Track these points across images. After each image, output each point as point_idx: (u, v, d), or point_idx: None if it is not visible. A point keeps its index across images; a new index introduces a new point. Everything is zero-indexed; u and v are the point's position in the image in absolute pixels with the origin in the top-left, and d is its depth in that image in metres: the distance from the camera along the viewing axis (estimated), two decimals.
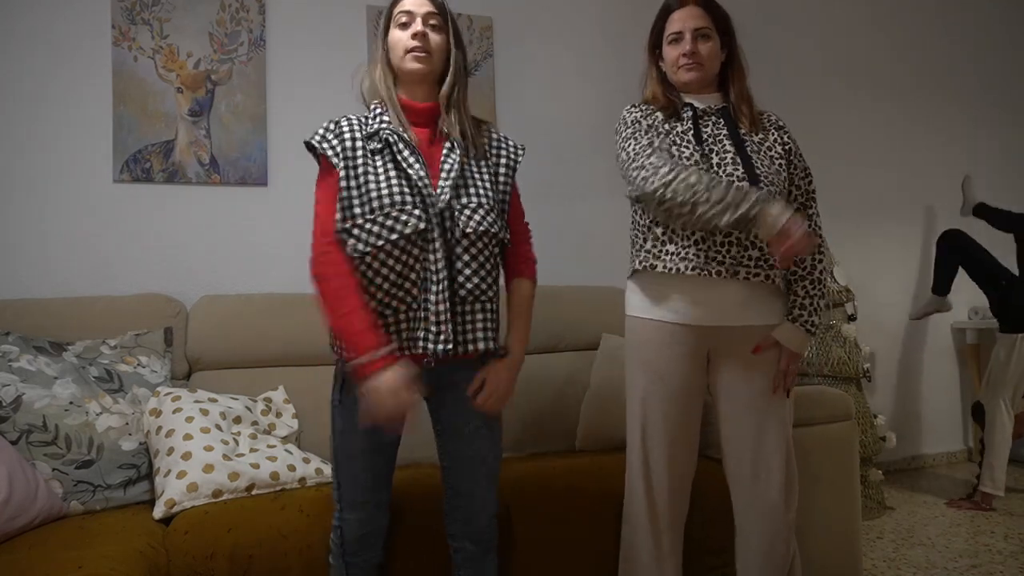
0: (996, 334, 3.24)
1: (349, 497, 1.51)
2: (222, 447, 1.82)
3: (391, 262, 1.41)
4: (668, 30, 1.74)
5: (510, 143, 1.63)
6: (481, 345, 1.48)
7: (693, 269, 1.62)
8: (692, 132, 1.69)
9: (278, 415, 2.11)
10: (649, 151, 1.60)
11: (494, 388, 1.50)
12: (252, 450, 1.88)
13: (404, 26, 1.51)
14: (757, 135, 1.71)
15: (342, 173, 1.43)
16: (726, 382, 1.71)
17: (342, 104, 2.36)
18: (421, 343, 1.42)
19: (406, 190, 1.42)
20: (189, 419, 1.85)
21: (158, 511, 1.71)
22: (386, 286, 1.42)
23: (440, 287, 1.41)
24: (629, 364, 1.77)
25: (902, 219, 3.83)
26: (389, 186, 1.41)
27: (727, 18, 1.76)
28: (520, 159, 1.62)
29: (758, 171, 1.62)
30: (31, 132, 2.37)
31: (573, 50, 3.13)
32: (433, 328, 1.41)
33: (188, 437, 1.81)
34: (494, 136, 1.61)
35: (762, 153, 1.68)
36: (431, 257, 1.42)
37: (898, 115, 3.87)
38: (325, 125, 1.50)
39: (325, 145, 1.45)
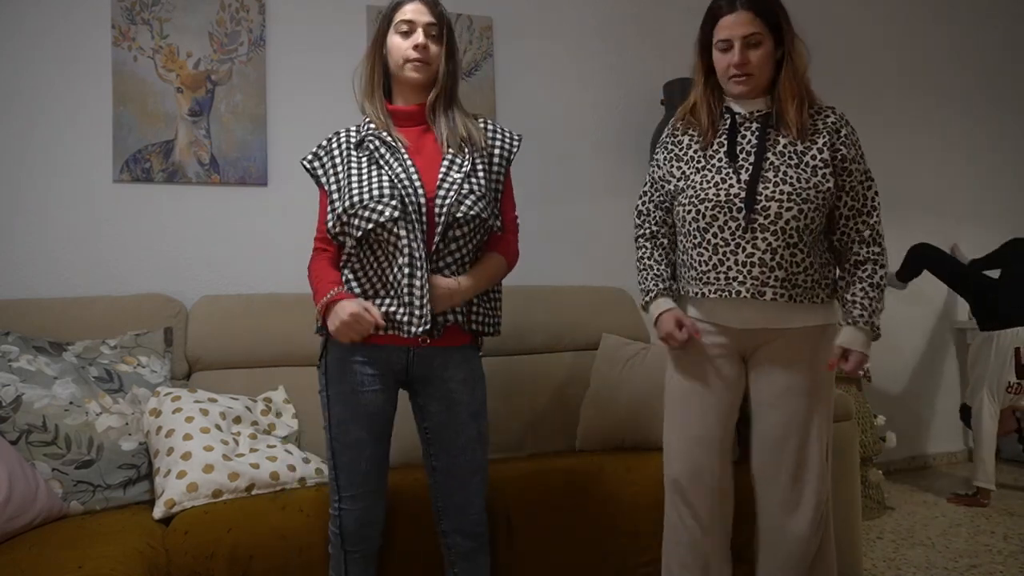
0: (975, 333, 3.32)
1: (348, 488, 1.53)
2: (222, 447, 1.82)
3: (376, 250, 1.51)
4: (717, 36, 1.66)
5: (506, 133, 1.67)
6: (451, 318, 1.53)
7: (739, 295, 1.64)
8: (726, 148, 1.66)
9: (278, 415, 2.11)
10: (644, 199, 1.84)
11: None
12: (252, 450, 1.88)
13: (405, 35, 1.56)
14: (803, 143, 1.63)
15: (325, 182, 1.58)
16: (763, 381, 1.70)
17: (341, 104, 2.36)
18: (405, 326, 1.48)
19: (385, 185, 1.48)
20: (189, 419, 1.85)
21: (158, 511, 1.71)
22: (372, 275, 1.52)
23: (423, 271, 1.46)
24: (672, 363, 1.78)
25: (902, 219, 3.82)
26: (369, 184, 1.50)
27: (777, 13, 1.64)
28: (515, 148, 1.66)
29: (759, 195, 1.59)
30: (31, 132, 2.36)
31: (573, 50, 3.13)
32: (418, 312, 1.46)
33: (188, 437, 1.81)
34: (489, 127, 1.65)
35: (802, 166, 1.61)
36: (413, 244, 1.46)
37: (893, 116, 3.86)
38: (318, 145, 1.63)
39: (316, 164, 1.61)
